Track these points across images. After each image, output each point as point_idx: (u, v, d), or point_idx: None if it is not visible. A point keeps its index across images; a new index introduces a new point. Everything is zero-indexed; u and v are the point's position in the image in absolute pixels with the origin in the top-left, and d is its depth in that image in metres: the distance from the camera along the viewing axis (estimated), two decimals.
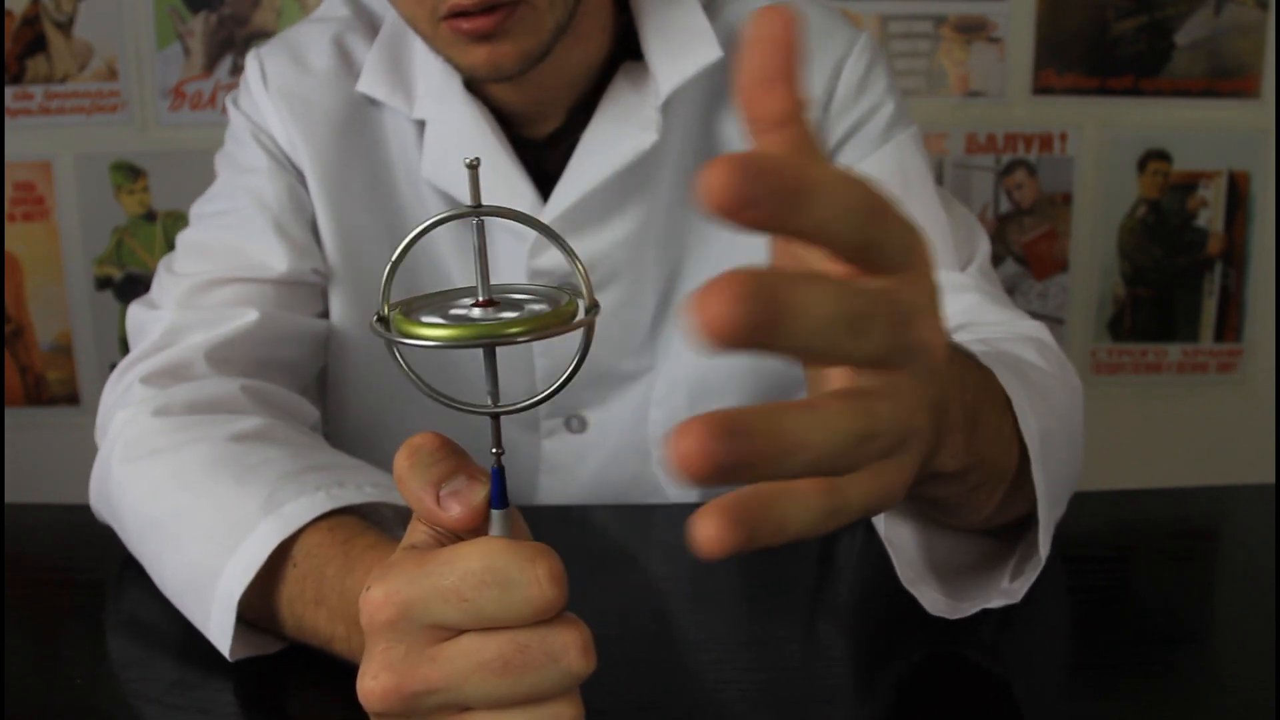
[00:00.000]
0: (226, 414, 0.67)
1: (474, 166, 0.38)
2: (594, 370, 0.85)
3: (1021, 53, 1.62)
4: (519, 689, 0.39)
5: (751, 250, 0.83)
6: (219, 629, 0.56)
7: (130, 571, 0.71)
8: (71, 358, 1.66)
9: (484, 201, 0.38)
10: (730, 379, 0.85)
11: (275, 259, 0.78)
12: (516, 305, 0.39)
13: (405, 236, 0.39)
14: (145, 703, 0.56)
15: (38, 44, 1.56)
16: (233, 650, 0.57)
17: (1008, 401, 0.55)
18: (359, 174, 0.82)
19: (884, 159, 0.83)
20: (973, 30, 1.61)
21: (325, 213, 0.82)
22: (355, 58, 0.83)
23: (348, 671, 0.58)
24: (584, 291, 0.39)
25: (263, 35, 1.57)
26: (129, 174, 1.60)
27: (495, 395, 0.40)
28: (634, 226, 0.82)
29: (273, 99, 0.81)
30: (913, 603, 0.69)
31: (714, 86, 0.81)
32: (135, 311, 0.78)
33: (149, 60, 1.57)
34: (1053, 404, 0.60)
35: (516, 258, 0.81)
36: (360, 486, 0.60)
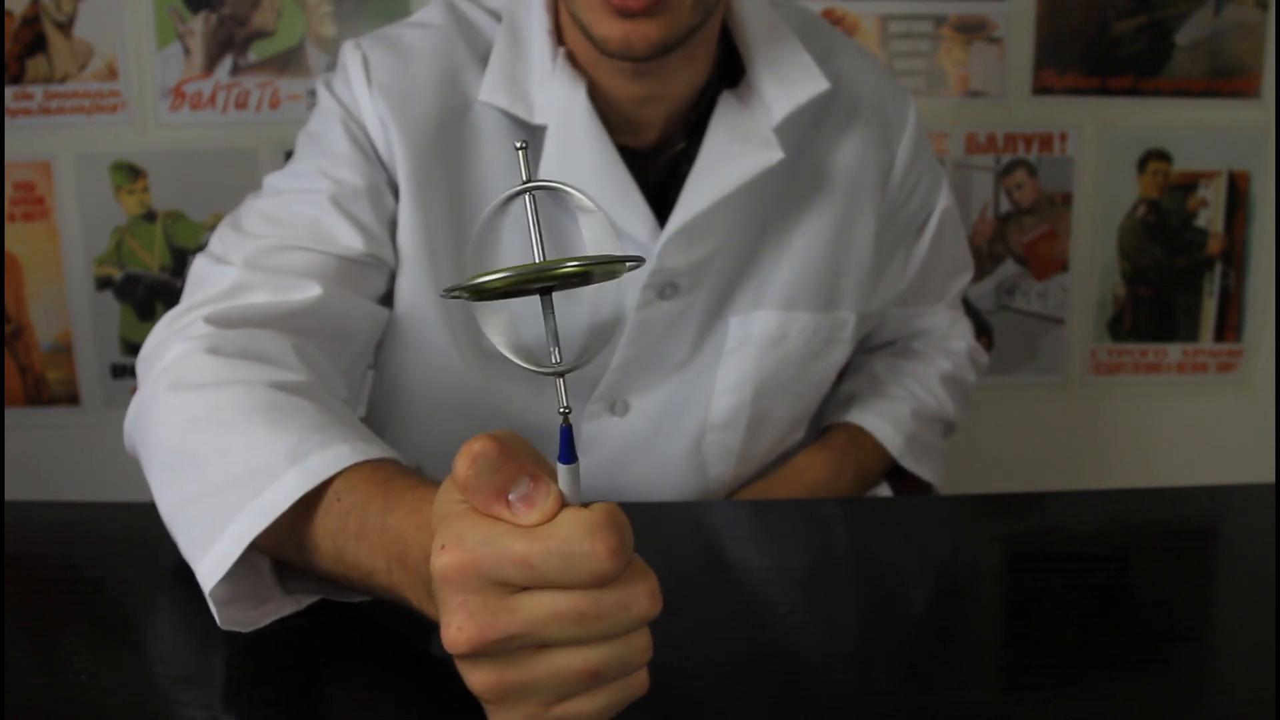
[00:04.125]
0: (273, 365, 0.69)
1: (523, 148, 0.43)
2: (647, 358, 0.91)
3: (1021, 53, 1.62)
4: (594, 632, 0.43)
5: (798, 264, 0.91)
6: (215, 563, 0.58)
7: (131, 569, 0.71)
8: (71, 358, 1.65)
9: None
10: (787, 379, 0.94)
11: (346, 236, 0.81)
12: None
13: (497, 233, 0.43)
14: (147, 700, 0.56)
15: (38, 44, 1.56)
16: (215, 590, 0.58)
17: (880, 449, 1.02)
18: (450, 173, 0.85)
19: (929, 231, 1.02)
20: (973, 30, 1.61)
21: (411, 204, 0.85)
22: (457, 66, 0.87)
23: (352, 667, 0.59)
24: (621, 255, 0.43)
25: (263, 35, 1.57)
26: (129, 174, 1.60)
27: (557, 353, 0.44)
28: (725, 237, 0.88)
29: (374, 94, 0.84)
30: (912, 607, 0.70)
31: (810, 114, 0.89)
32: (201, 263, 0.80)
33: (149, 60, 1.57)
34: (916, 409, 1.03)
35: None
36: (384, 448, 0.62)
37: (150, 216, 1.62)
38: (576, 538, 0.42)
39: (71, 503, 0.86)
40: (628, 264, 0.43)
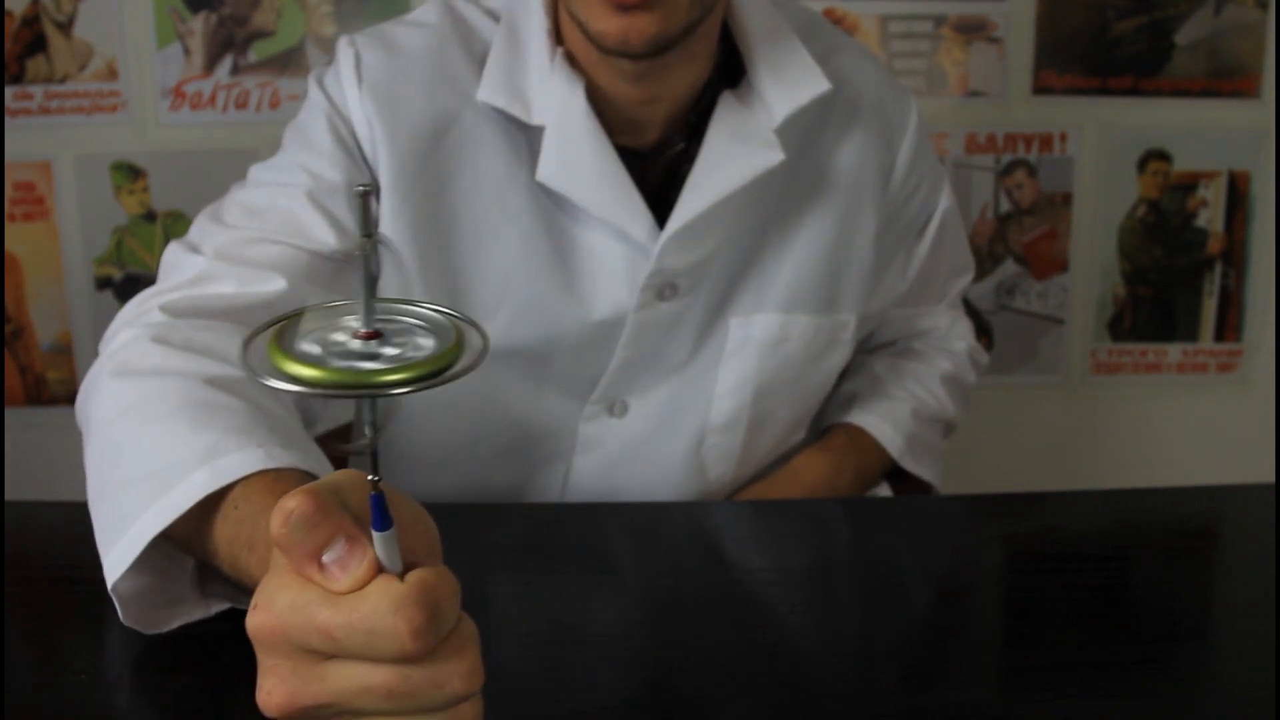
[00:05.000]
0: (215, 359, 0.68)
1: (364, 194, 0.37)
2: (646, 359, 0.91)
3: (1021, 53, 1.62)
4: (406, 708, 0.41)
5: (799, 266, 0.91)
6: (120, 557, 0.57)
7: None
8: (71, 358, 1.65)
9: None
10: (788, 381, 0.94)
11: (320, 232, 0.81)
12: (402, 335, 0.38)
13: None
14: (147, 701, 0.56)
15: (38, 44, 1.56)
16: (117, 585, 0.58)
17: (880, 449, 1.01)
18: (442, 174, 0.85)
19: (930, 232, 1.01)
20: (973, 30, 1.61)
21: (394, 206, 0.84)
22: (453, 66, 0.86)
23: None
24: (470, 325, 0.38)
25: (263, 35, 1.57)
26: (129, 174, 1.60)
27: (373, 439, 0.39)
28: (725, 238, 0.88)
29: (363, 94, 0.84)
30: (912, 607, 0.70)
31: (810, 115, 0.89)
32: (173, 250, 0.80)
33: (149, 60, 1.57)
34: (916, 410, 1.03)
35: (634, 267, 0.86)
36: (306, 452, 0.61)
37: (150, 216, 1.62)
38: (380, 613, 0.40)
39: (71, 503, 0.86)
40: (459, 372, 0.38)
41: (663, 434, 0.93)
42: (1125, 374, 1.75)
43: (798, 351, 0.93)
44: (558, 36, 0.85)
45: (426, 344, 0.38)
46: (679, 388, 0.92)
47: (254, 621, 0.42)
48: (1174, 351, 1.74)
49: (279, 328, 0.38)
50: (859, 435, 1.02)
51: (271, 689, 0.42)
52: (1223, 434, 1.75)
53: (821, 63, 0.88)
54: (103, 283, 1.63)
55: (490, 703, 0.45)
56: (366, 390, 0.36)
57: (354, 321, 0.38)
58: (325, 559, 0.41)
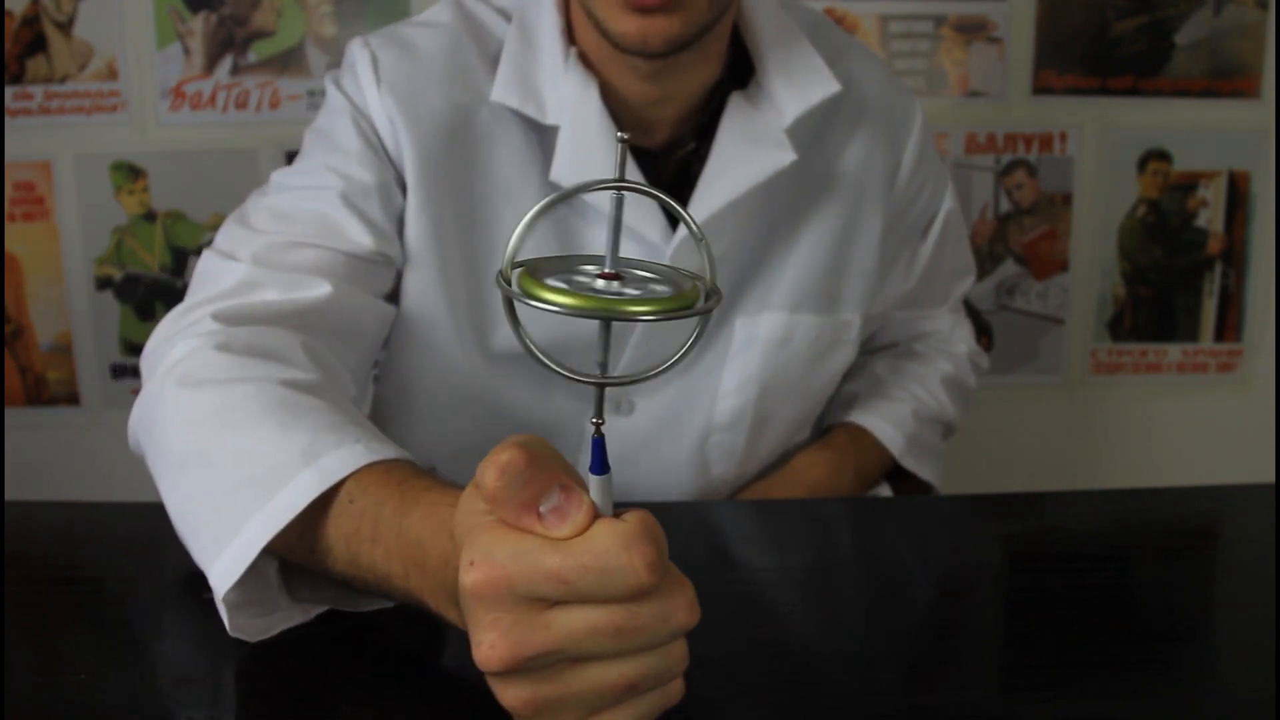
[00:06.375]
0: (283, 363, 0.68)
1: (624, 141, 0.40)
2: (653, 359, 0.90)
3: (1021, 53, 1.62)
4: (631, 646, 0.42)
5: (805, 266, 0.91)
6: (229, 566, 0.56)
7: (131, 569, 0.71)
8: (71, 358, 1.65)
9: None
10: (792, 381, 0.94)
11: (356, 234, 0.81)
12: (640, 283, 0.41)
13: (509, 234, 0.41)
14: (147, 701, 0.56)
15: (38, 44, 1.56)
16: (228, 595, 0.57)
17: (881, 449, 1.01)
18: (460, 172, 0.85)
19: (934, 233, 1.02)
20: (973, 30, 1.61)
21: (419, 203, 0.84)
22: (467, 66, 0.86)
23: (351, 666, 0.59)
24: (708, 278, 0.41)
25: (263, 35, 1.57)
26: (129, 174, 1.60)
27: (605, 366, 0.42)
28: (734, 238, 0.88)
29: (383, 93, 0.84)
30: (912, 606, 0.70)
31: (818, 116, 0.89)
32: (208, 259, 0.79)
33: (149, 60, 1.57)
34: (917, 410, 1.03)
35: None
36: (394, 445, 0.61)
37: (150, 216, 1.62)
38: (613, 551, 0.41)
39: (71, 503, 0.86)
40: (701, 310, 0.41)
41: (667, 432, 0.93)
42: (1125, 374, 1.75)
43: (802, 351, 0.93)
44: (570, 36, 0.85)
45: (661, 289, 0.41)
46: (684, 387, 0.93)
47: (474, 577, 0.42)
48: (1174, 351, 1.74)
49: (527, 264, 0.41)
50: (860, 435, 1.02)
51: (494, 642, 0.42)
52: (1223, 434, 1.75)
53: (830, 64, 0.89)
54: (103, 283, 1.63)
55: (490, 699, 0.45)
56: (616, 315, 0.39)
57: (593, 266, 0.41)
58: (541, 509, 0.42)
